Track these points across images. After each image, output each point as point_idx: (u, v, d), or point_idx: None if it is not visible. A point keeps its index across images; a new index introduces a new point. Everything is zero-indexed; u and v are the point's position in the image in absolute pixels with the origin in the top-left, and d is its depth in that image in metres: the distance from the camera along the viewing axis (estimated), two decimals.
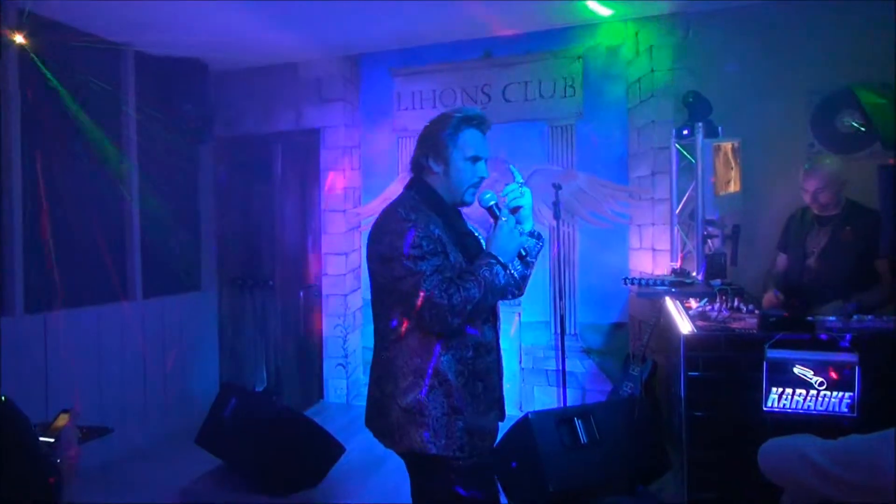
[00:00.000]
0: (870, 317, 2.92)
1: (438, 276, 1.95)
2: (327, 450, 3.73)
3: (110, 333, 4.58)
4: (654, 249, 4.59)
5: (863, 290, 3.40)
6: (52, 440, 1.62)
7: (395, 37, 4.99)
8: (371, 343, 5.68)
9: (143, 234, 4.86)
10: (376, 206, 5.36)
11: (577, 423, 3.33)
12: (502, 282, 2.03)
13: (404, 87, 5.28)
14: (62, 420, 1.69)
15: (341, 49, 5.26)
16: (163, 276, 5.04)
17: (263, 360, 5.74)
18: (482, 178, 2.16)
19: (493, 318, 2.18)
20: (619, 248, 4.72)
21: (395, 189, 5.26)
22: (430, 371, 2.01)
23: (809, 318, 2.94)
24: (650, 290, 3.93)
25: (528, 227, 2.19)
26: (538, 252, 2.29)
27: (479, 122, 2.15)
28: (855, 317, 2.93)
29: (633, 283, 4.15)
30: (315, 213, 5.62)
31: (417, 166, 2.19)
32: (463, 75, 5.10)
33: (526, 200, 2.17)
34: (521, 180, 2.21)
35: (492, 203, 2.14)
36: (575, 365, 4.75)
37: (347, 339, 5.44)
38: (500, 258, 2.03)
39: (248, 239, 5.74)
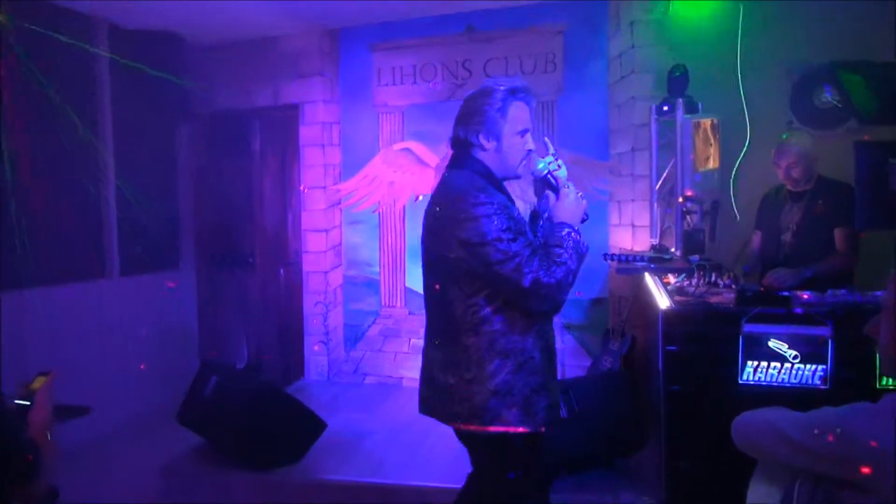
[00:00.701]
0: (843, 290, 2.96)
1: (536, 255, 1.93)
2: (309, 426, 3.74)
3: (88, 312, 4.53)
4: (633, 226, 4.62)
5: (819, 259, 3.47)
6: (27, 403, 1.58)
7: (374, 11, 4.92)
8: (352, 321, 5.65)
9: (120, 212, 4.80)
10: (356, 182, 5.33)
11: None
12: (585, 248, 2.05)
13: (384, 62, 5.22)
14: (38, 382, 1.66)
15: (320, 23, 5.18)
16: (140, 253, 4.98)
17: (244, 338, 5.71)
18: (530, 151, 2.15)
19: None
20: (599, 224, 4.72)
21: (376, 165, 5.24)
22: (518, 350, 2.02)
23: (785, 292, 2.98)
24: (629, 265, 3.95)
25: None
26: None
27: (524, 94, 2.11)
28: (829, 291, 2.97)
29: (612, 259, 4.17)
30: (294, 190, 5.57)
31: (464, 144, 2.13)
32: (444, 50, 5.05)
33: (563, 172, 2.15)
34: (554, 151, 2.20)
35: (546, 173, 2.12)
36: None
37: (328, 316, 5.43)
38: (573, 226, 2.04)
39: (227, 216, 5.68)
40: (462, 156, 2.15)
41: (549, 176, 2.12)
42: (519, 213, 2.05)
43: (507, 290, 1.96)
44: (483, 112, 2.08)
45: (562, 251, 1.97)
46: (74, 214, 4.39)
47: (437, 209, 2.07)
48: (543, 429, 2.08)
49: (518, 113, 2.10)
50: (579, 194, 2.11)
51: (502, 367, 2.01)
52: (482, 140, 2.09)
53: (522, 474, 2.08)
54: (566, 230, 2.03)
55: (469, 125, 2.11)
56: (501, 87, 2.08)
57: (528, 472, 2.09)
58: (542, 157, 2.16)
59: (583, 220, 2.15)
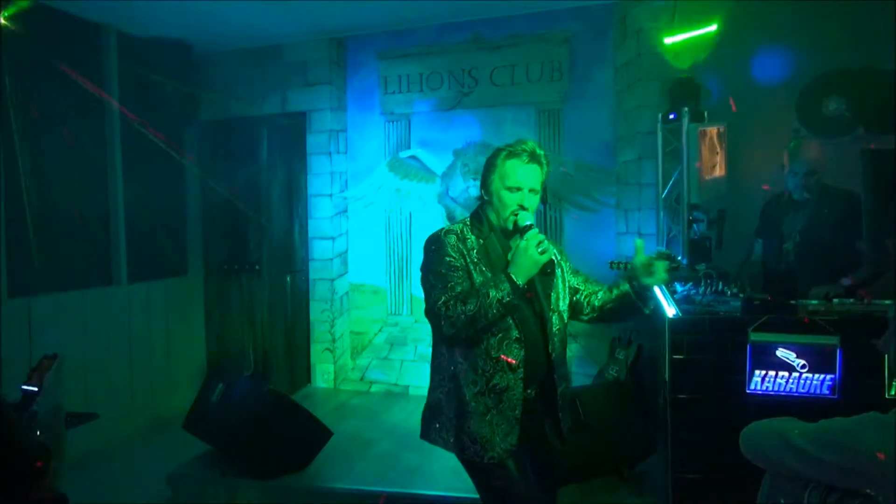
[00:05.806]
0: (851, 300, 2.95)
1: (448, 289, 2.12)
2: (315, 434, 3.74)
3: (96, 318, 4.55)
4: (640, 234, 4.61)
5: (851, 271, 3.44)
6: (35, 388, 1.58)
7: (381, 19, 4.95)
8: (358, 328, 5.67)
9: (128, 219, 4.82)
10: (363, 190, 5.35)
11: None
12: (507, 299, 2.08)
13: (391, 70, 5.24)
14: (44, 366, 1.65)
15: (327, 31, 5.21)
16: (148, 260, 5.00)
17: (251, 345, 5.72)
18: (522, 207, 2.25)
19: (524, 340, 2.19)
20: (605, 232, 4.73)
21: (382, 172, 5.26)
22: (450, 376, 2.22)
23: (792, 301, 2.97)
24: None
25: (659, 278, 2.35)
26: (644, 292, 2.42)
27: (519, 154, 2.25)
28: (836, 300, 2.96)
29: (619, 268, 4.17)
30: (301, 198, 5.59)
31: (479, 194, 2.38)
32: (450, 58, 5.07)
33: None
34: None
35: (524, 224, 2.21)
36: None
37: (335, 323, 5.43)
38: (512, 276, 2.10)
39: (234, 223, 5.70)
40: (479, 204, 2.39)
41: (522, 228, 2.22)
42: (467, 253, 2.17)
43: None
44: (486, 168, 2.33)
45: (475, 293, 2.08)
46: (83, 222, 4.41)
47: None
48: (478, 460, 2.15)
49: (511, 171, 2.25)
50: (538, 247, 2.11)
51: (439, 386, 2.25)
52: (483, 192, 2.34)
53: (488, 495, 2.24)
54: (497, 277, 2.11)
55: (481, 178, 2.36)
56: (505, 148, 2.29)
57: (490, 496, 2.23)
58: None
59: (548, 273, 2.22)
